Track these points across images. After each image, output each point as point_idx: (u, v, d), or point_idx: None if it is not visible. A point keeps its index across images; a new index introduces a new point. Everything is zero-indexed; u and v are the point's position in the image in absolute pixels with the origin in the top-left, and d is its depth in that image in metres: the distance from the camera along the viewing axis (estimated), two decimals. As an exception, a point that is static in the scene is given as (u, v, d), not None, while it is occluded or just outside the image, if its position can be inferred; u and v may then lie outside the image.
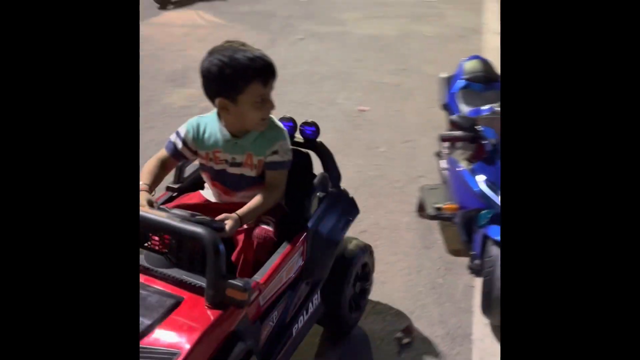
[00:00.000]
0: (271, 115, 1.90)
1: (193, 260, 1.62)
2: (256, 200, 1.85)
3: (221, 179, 1.95)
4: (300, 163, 2.09)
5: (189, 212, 1.73)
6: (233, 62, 1.73)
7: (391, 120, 4.20)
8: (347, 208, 2.17)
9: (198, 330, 1.49)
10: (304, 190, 1.96)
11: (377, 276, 2.45)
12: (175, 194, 2.10)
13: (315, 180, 2.01)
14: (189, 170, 2.16)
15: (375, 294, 2.46)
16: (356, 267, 2.19)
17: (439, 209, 2.65)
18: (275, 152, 1.87)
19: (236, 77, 1.74)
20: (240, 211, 1.79)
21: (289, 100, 4.40)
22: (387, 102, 4.51)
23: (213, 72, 1.75)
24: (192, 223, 1.58)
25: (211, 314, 1.54)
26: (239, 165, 1.90)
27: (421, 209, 2.98)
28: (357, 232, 2.76)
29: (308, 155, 2.14)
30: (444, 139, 2.51)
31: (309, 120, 2.11)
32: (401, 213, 3.12)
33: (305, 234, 1.91)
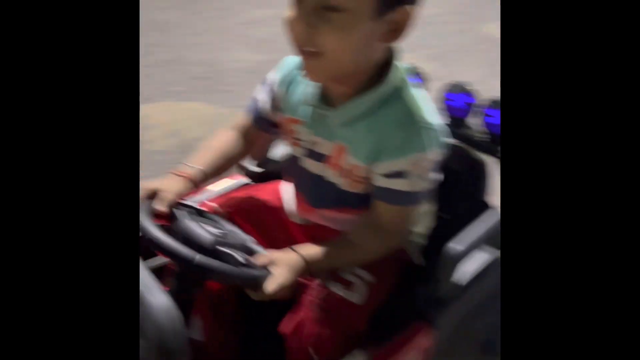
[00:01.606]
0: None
1: None
2: (346, 240, 0.93)
3: (297, 175, 1.04)
4: (463, 177, 1.09)
5: (220, 222, 0.88)
6: None
7: None
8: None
9: None
10: (449, 236, 0.96)
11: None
12: (249, 182, 1.24)
13: (482, 224, 0.97)
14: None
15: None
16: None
17: None
18: (398, 174, 0.89)
19: None
20: (309, 253, 0.89)
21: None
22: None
23: None
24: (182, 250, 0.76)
25: None
26: (318, 158, 0.97)
27: None
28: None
29: (481, 166, 1.11)
30: None
31: (495, 98, 1.07)
32: None
33: (424, 329, 0.93)
